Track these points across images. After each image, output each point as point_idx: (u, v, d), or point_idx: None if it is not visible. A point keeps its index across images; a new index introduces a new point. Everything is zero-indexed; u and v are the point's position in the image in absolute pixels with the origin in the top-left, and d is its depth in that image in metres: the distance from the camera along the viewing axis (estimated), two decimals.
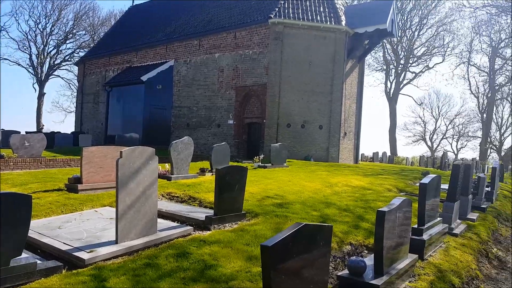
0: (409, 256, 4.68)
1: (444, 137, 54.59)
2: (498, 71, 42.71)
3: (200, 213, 6.27)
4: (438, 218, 6.20)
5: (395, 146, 43.19)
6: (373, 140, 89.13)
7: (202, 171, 10.71)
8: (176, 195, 7.83)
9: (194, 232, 5.51)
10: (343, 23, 19.38)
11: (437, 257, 5.42)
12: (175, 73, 23.57)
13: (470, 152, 62.54)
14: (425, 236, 5.28)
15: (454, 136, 54.51)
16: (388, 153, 37.24)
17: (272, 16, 18.99)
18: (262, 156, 14.88)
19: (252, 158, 15.27)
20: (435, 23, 41.60)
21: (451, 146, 55.64)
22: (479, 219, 8.41)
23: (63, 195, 7.27)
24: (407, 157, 37.75)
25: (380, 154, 33.94)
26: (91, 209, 6.63)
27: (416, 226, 5.39)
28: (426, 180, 5.45)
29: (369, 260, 4.30)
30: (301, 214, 6.57)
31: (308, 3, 20.14)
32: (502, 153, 48.32)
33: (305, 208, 7.03)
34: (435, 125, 54.97)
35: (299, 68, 19.26)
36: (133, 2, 33.88)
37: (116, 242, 4.73)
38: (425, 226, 5.41)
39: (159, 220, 5.61)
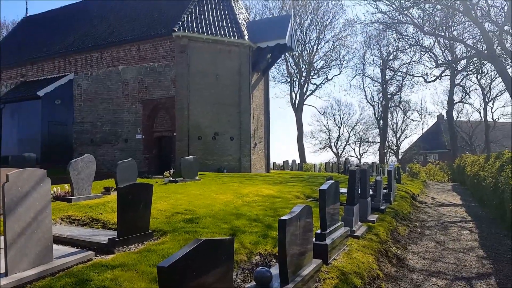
0: (313, 262, 4.83)
1: (348, 143, 58.62)
2: (389, 81, 47.29)
3: (103, 236, 5.89)
4: (340, 222, 6.46)
5: (304, 154, 45.29)
6: (283, 149, 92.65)
7: (107, 190, 10.10)
8: (77, 218, 7.27)
9: (96, 257, 5.15)
10: (246, 37, 19.91)
11: (341, 260, 5.65)
12: (76, 87, 22.12)
13: (371, 156, 68.03)
14: (328, 241, 5.47)
15: (356, 142, 58.84)
16: (298, 161, 38.88)
17: (176, 29, 18.81)
18: (173, 170, 14.51)
19: (163, 173, 14.83)
20: (331, 38, 44.94)
21: (354, 151, 59.95)
22: (378, 220, 8.92)
23: None
24: (315, 164, 39.72)
25: (290, 162, 35.27)
26: None
27: (319, 231, 5.58)
28: (324, 186, 5.66)
29: (275, 269, 4.37)
30: (212, 228, 6.49)
31: (211, 17, 20.31)
32: (400, 156, 53.38)
33: (216, 222, 6.97)
34: (339, 132, 58.77)
35: (207, 80, 19.31)
36: (26, 12, 31.21)
37: (6, 274, 4.26)
38: (328, 231, 5.61)
39: (56, 246, 5.16)
